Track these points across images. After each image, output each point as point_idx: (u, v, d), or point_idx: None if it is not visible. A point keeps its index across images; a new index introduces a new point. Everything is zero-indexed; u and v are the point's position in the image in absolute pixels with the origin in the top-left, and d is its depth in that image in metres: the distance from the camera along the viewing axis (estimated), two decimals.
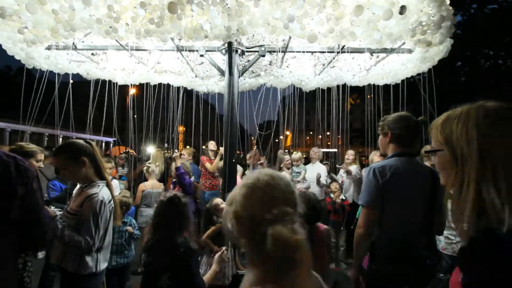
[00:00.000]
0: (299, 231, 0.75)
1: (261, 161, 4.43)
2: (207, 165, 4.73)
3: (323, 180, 4.77)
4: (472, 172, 0.70)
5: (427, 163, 3.35)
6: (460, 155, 0.73)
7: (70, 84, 3.90)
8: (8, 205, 1.31)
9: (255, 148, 4.64)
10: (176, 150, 4.20)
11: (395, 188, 1.64)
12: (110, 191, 1.96)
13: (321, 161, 5.42)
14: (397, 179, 1.64)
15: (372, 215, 1.69)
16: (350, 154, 4.88)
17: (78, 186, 2.03)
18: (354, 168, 4.63)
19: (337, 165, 5.47)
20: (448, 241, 2.60)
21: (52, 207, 1.92)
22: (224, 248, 2.11)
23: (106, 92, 4.35)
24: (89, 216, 1.75)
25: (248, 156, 4.75)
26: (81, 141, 1.94)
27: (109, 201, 1.90)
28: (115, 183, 3.63)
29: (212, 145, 4.99)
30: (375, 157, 3.89)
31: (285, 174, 3.58)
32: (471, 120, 0.75)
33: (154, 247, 1.70)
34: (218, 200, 2.93)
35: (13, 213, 1.32)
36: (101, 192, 1.85)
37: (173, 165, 3.81)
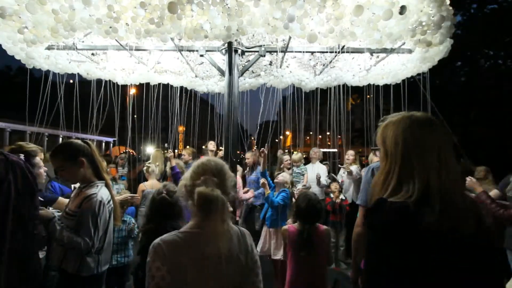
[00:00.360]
0: (217, 191, 1.11)
1: (262, 150, 4.31)
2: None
3: (323, 180, 4.78)
4: (396, 166, 0.97)
5: (375, 158, 3.40)
6: (390, 153, 1.00)
7: (76, 84, 3.91)
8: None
9: (254, 148, 4.62)
10: (170, 150, 4.19)
11: None
12: (109, 191, 1.93)
13: (321, 161, 5.44)
14: None
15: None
16: (350, 154, 4.90)
17: (73, 186, 2.03)
18: (354, 168, 4.64)
19: (339, 165, 5.47)
20: None
21: (51, 208, 1.92)
22: None
23: (109, 92, 4.35)
24: (88, 217, 1.72)
25: (247, 156, 4.74)
26: (79, 141, 1.91)
27: (108, 201, 1.87)
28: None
29: (211, 145, 5.00)
30: (374, 157, 3.89)
31: (285, 175, 3.57)
32: (400, 127, 1.00)
33: (147, 232, 1.94)
34: None
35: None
36: (100, 192, 1.82)
37: (168, 165, 3.81)
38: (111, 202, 1.90)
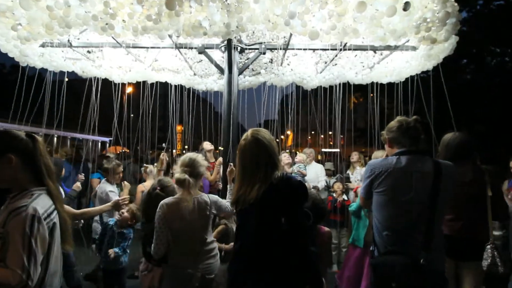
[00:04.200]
0: (185, 176, 2.11)
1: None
2: (208, 175, 4.64)
3: (322, 182, 4.93)
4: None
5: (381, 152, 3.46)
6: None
7: (90, 84, 3.89)
8: None
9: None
10: (149, 166, 4.18)
11: (383, 185, 1.80)
12: (53, 201, 1.43)
13: (317, 161, 5.54)
14: (386, 176, 1.79)
15: (364, 202, 2.06)
16: (354, 154, 5.13)
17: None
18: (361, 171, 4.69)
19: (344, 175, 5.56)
20: None
21: None
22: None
23: (102, 91, 4.34)
24: (15, 239, 1.24)
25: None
26: (17, 133, 1.43)
27: (49, 215, 1.37)
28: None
29: (208, 145, 4.93)
30: (378, 154, 3.86)
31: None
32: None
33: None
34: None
35: None
36: (34, 203, 1.32)
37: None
38: (53, 215, 1.41)
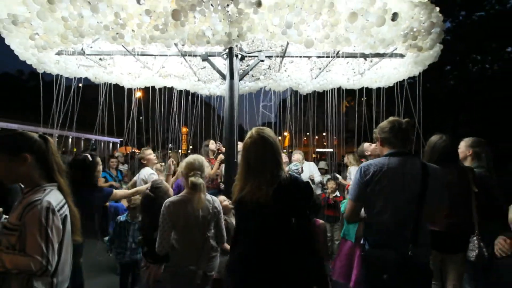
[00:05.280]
0: (200, 179, 2.04)
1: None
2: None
3: (317, 178, 4.95)
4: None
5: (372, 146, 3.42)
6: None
7: (105, 87, 3.87)
8: None
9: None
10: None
11: (377, 184, 1.75)
12: (64, 196, 1.47)
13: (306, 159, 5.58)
14: (380, 176, 1.75)
15: (354, 207, 1.88)
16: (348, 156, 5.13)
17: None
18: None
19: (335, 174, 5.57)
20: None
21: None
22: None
23: (115, 95, 4.34)
24: (33, 229, 1.27)
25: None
26: (31, 134, 1.47)
27: (61, 207, 1.40)
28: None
29: (213, 145, 4.93)
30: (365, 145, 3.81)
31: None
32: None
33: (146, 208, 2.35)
34: (221, 198, 2.90)
35: None
36: (47, 197, 1.35)
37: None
38: (65, 209, 1.44)
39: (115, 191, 2.70)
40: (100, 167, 2.71)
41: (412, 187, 1.70)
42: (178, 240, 2.03)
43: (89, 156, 2.56)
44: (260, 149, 1.56)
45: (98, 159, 2.68)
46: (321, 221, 2.46)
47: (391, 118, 1.92)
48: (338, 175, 5.16)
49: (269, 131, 1.63)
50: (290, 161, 4.88)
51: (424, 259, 1.73)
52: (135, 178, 3.95)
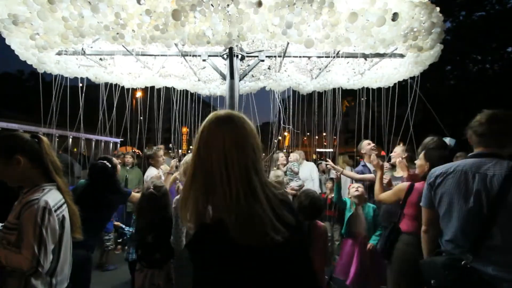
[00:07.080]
0: None
1: None
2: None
3: (316, 177, 4.95)
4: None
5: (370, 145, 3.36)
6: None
7: (106, 87, 3.87)
8: None
9: None
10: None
11: (440, 190, 1.64)
12: (62, 194, 1.47)
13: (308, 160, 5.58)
14: (443, 182, 1.62)
15: (428, 214, 1.76)
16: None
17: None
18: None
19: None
20: None
21: None
22: None
23: (115, 95, 4.34)
24: (28, 229, 1.28)
25: None
26: (22, 135, 1.46)
27: (59, 207, 1.40)
28: None
29: None
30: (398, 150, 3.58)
31: (280, 172, 3.57)
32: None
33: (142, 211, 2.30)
34: None
35: None
36: (45, 196, 1.36)
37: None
38: (63, 208, 1.44)
39: (132, 193, 2.74)
40: (119, 167, 2.81)
41: (487, 190, 1.46)
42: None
43: (106, 162, 2.60)
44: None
45: (115, 161, 2.73)
46: (322, 223, 2.45)
47: (485, 111, 1.65)
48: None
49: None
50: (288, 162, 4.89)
51: (490, 272, 1.41)
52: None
